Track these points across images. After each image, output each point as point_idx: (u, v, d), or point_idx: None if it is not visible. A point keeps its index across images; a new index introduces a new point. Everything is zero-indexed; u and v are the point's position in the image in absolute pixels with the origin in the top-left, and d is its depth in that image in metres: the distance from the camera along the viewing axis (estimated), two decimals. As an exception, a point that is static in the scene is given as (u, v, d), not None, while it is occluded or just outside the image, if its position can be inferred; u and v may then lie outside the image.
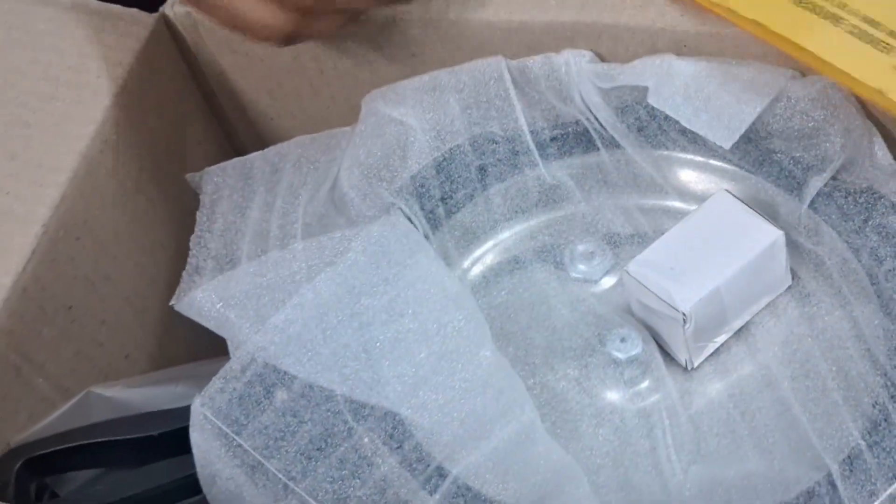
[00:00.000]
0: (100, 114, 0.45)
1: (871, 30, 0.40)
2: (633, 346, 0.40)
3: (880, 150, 0.42)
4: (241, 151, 0.49)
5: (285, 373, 0.38)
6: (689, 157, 0.44)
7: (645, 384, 0.41)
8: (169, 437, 0.40)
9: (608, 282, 0.44)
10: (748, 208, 0.40)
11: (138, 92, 0.47)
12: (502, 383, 0.37)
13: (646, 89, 0.43)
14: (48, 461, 0.40)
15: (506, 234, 0.45)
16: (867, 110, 0.43)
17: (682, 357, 0.40)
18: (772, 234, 0.39)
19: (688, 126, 0.41)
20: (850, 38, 0.40)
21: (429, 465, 0.36)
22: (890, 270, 0.38)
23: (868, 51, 0.40)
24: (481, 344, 0.38)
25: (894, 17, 0.40)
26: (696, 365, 0.40)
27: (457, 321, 0.38)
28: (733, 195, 0.40)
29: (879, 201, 0.40)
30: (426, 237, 0.43)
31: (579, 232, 0.45)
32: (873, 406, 0.35)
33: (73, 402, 0.41)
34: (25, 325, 0.42)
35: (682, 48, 0.44)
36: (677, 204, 0.45)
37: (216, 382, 0.38)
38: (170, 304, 0.41)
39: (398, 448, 0.36)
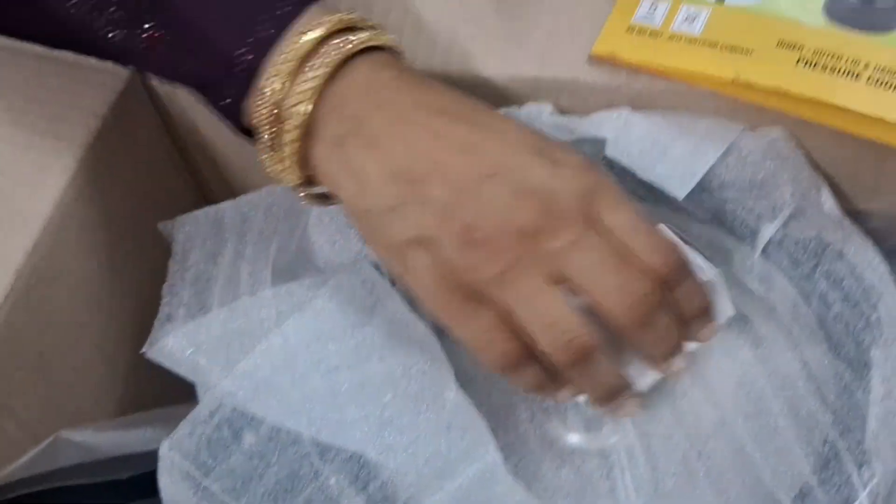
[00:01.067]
0: (74, 163, 0.45)
1: (888, 77, 0.41)
2: (594, 388, 0.41)
3: (827, 200, 0.44)
4: (212, 202, 0.49)
5: (253, 416, 0.39)
6: (647, 206, 0.46)
7: (604, 427, 0.42)
8: (138, 481, 0.40)
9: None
10: (687, 245, 0.40)
11: (112, 142, 0.48)
12: (466, 424, 0.38)
13: (604, 142, 0.45)
14: (17, 505, 0.41)
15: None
16: (814, 162, 0.45)
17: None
18: (709, 273, 0.40)
19: (644, 177, 0.43)
20: (874, 88, 0.41)
21: (394, 505, 0.37)
22: (838, 314, 0.39)
23: (893, 96, 0.41)
24: (445, 385, 0.39)
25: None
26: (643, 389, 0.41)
27: (421, 364, 0.39)
28: (674, 230, 0.40)
29: (827, 248, 0.41)
30: (392, 284, 0.44)
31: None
32: (823, 443, 0.36)
33: (42, 445, 0.42)
34: (-3, 371, 0.42)
35: (638, 101, 0.45)
36: (636, 252, 0.46)
37: (184, 426, 0.39)
38: (141, 351, 0.42)
39: (364, 489, 0.37)
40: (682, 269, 0.37)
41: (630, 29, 0.45)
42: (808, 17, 0.43)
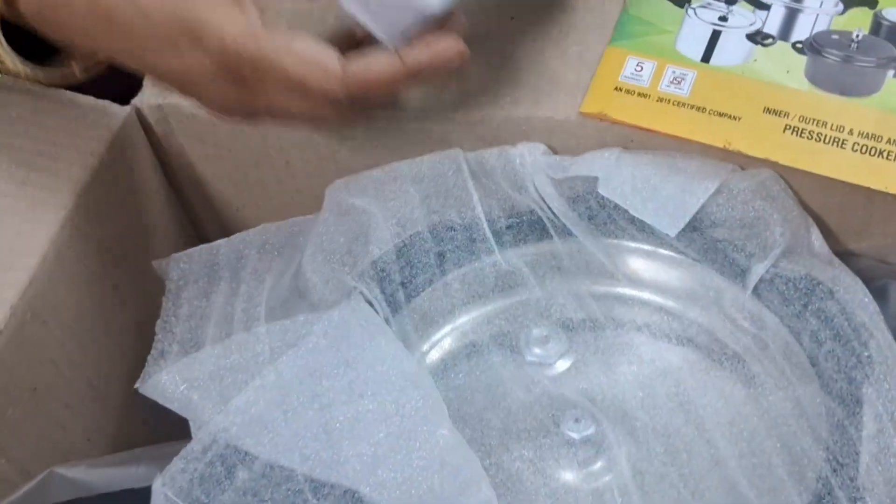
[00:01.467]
0: (70, 200, 0.46)
1: (873, 143, 0.42)
2: (587, 426, 0.41)
3: (817, 239, 0.44)
4: (205, 240, 0.50)
5: (246, 453, 0.39)
6: (638, 245, 0.46)
7: (598, 464, 0.42)
8: (130, 518, 0.40)
9: (563, 365, 0.45)
10: None
11: (108, 180, 0.48)
12: (459, 461, 0.38)
13: (596, 180, 0.45)
14: (7, 543, 0.40)
15: (463, 319, 0.47)
16: (804, 203, 0.45)
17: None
18: None
19: (636, 215, 0.43)
20: (858, 155, 0.42)
21: (387, 542, 0.36)
22: (829, 352, 0.40)
23: (878, 162, 0.42)
24: (439, 423, 0.39)
25: (888, 126, 0.42)
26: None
27: (415, 401, 0.39)
28: None
29: (818, 287, 0.42)
30: (386, 321, 0.44)
31: (534, 317, 0.46)
32: (817, 480, 0.36)
33: (34, 482, 0.42)
34: (-11, 406, 0.42)
35: (630, 143, 0.46)
36: (628, 291, 0.47)
37: (177, 463, 0.39)
38: (134, 387, 0.42)
39: (357, 526, 0.37)
40: None
41: (618, 88, 0.46)
42: (791, 81, 0.45)
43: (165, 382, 0.40)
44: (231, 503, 0.38)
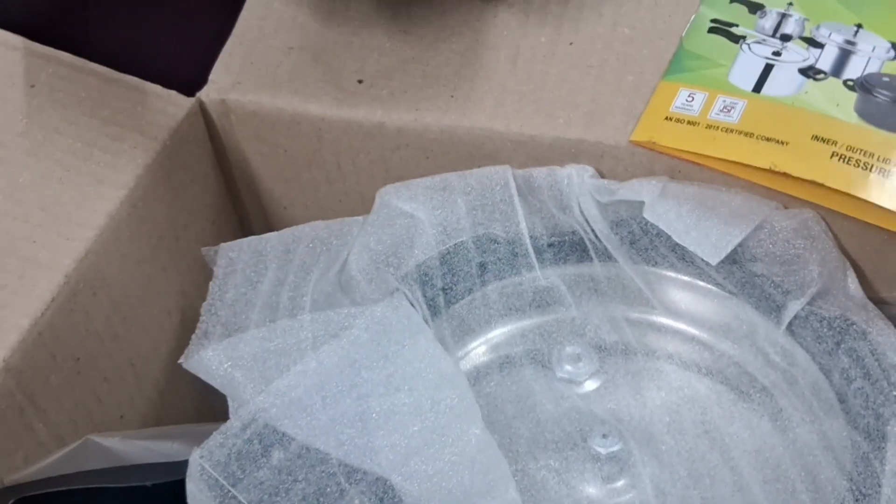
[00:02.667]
0: (131, 180, 0.47)
1: None
2: (614, 443, 0.42)
3: (853, 283, 0.45)
4: (249, 234, 0.51)
5: (284, 434, 0.39)
6: (677, 274, 0.47)
7: (622, 482, 0.42)
8: (162, 489, 0.41)
9: (592, 384, 0.46)
10: None
11: (167, 166, 0.49)
12: (489, 462, 0.39)
13: (641, 207, 0.46)
14: (41, 502, 0.41)
15: (499, 331, 0.48)
16: (842, 247, 0.46)
17: None
18: None
19: (678, 241, 0.44)
20: None
21: (415, 530, 0.37)
22: (859, 389, 0.40)
23: None
24: (472, 422, 0.40)
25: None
26: None
27: (449, 399, 0.40)
28: None
29: (851, 328, 0.42)
30: (425, 322, 0.45)
31: (568, 335, 0.47)
32: (841, 510, 0.37)
33: (71, 447, 0.43)
34: (35, 369, 0.43)
35: (677, 173, 0.47)
36: (662, 319, 0.47)
37: (216, 437, 0.40)
38: (178, 361, 0.43)
39: (386, 512, 0.37)
40: None
41: (668, 117, 0.47)
42: (840, 114, 0.46)
43: (210, 359, 0.41)
44: (266, 480, 0.38)
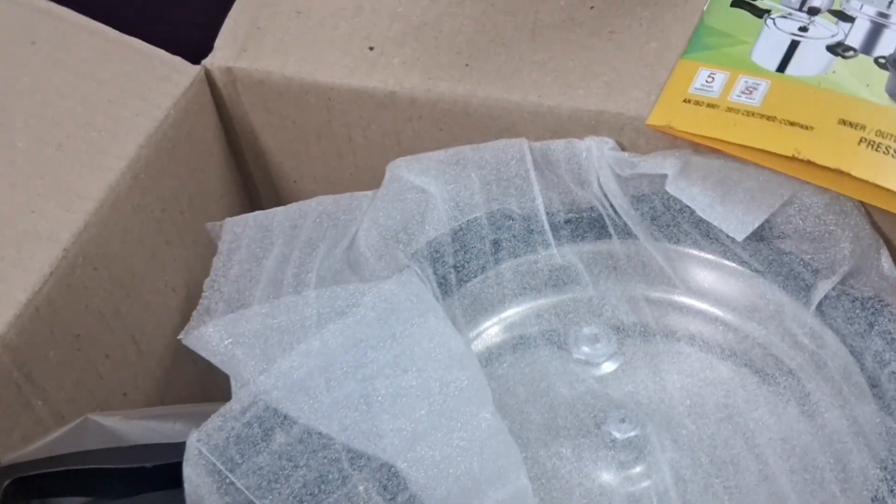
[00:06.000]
0: (133, 150, 0.46)
1: None
2: (631, 427, 0.40)
3: (887, 261, 0.43)
4: (258, 209, 0.50)
5: (285, 417, 0.38)
6: (700, 252, 0.45)
7: (638, 468, 0.41)
8: (161, 471, 0.40)
9: (609, 366, 0.44)
10: None
11: (171, 136, 0.48)
12: (499, 447, 0.38)
13: (663, 182, 0.44)
14: (38, 483, 0.40)
15: (513, 310, 0.46)
16: (874, 223, 0.44)
17: None
18: None
19: (703, 216, 0.42)
20: None
21: (421, 518, 0.36)
22: (893, 373, 0.38)
23: None
24: (482, 406, 0.38)
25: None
26: None
27: (459, 381, 0.38)
28: None
29: (885, 309, 0.41)
30: (436, 300, 0.43)
31: (585, 315, 0.45)
32: (872, 500, 0.35)
33: (69, 426, 0.41)
34: (33, 345, 0.42)
35: (700, 148, 0.45)
36: (684, 299, 0.45)
37: (215, 420, 0.38)
38: (178, 338, 0.42)
39: (392, 499, 0.36)
40: None
41: (687, 100, 0.45)
42: (870, 95, 0.43)
43: (210, 335, 0.40)
44: (265, 465, 0.37)
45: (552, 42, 0.46)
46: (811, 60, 0.45)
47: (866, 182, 0.41)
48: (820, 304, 0.42)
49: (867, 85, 0.44)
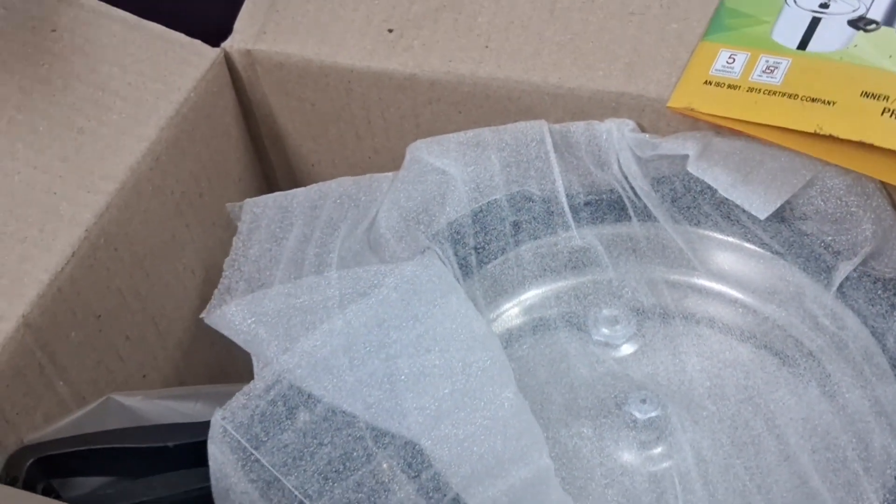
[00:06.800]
0: (154, 132, 0.46)
1: None
2: (652, 407, 0.40)
3: (908, 243, 0.43)
4: (276, 191, 0.49)
5: (309, 395, 0.38)
6: (720, 234, 0.45)
7: (659, 449, 0.41)
8: (184, 450, 0.40)
9: (629, 348, 0.44)
10: None
11: (191, 119, 0.48)
12: (522, 426, 0.38)
13: (683, 163, 0.44)
14: (60, 462, 0.40)
15: (533, 292, 0.46)
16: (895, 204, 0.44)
17: None
18: None
19: (725, 195, 0.42)
20: None
21: (445, 496, 0.36)
22: (916, 354, 0.38)
23: None
24: (505, 385, 0.38)
25: None
26: None
27: (482, 361, 0.38)
28: None
29: (907, 290, 0.40)
30: (457, 279, 0.43)
31: (604, 297, 0.45)
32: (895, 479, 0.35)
33: (91, 406, 0.42)
34: (55, 326, 0.42)
35: (721, 130, 0.45)
36: (704, 281, 0.45)
37: (239, 398, 0.38)
38: (200, 316, 0.42)
39: (416, 477, 0.36)
40: None
41: (708, 81, 0.45)
42: (893, 65, 0.43)
43: (233, 314, 0.40)
44: (290, 443, 0.37)
45: (572, 23, 0.46)
46: (832, 36, 0.45)
47: (889, 154, 0.41)
48: (841, 285, 0.42)
49: (889, 56, 0.43)
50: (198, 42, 0.49)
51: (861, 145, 0.42)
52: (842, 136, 0.42)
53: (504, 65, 0.47)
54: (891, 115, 0.42)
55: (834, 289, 0.42)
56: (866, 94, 0.42)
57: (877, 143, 0.41)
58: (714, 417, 0.41)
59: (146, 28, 0.48)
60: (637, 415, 0.40)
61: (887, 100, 0.42)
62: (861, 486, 0.36)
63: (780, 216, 0.43)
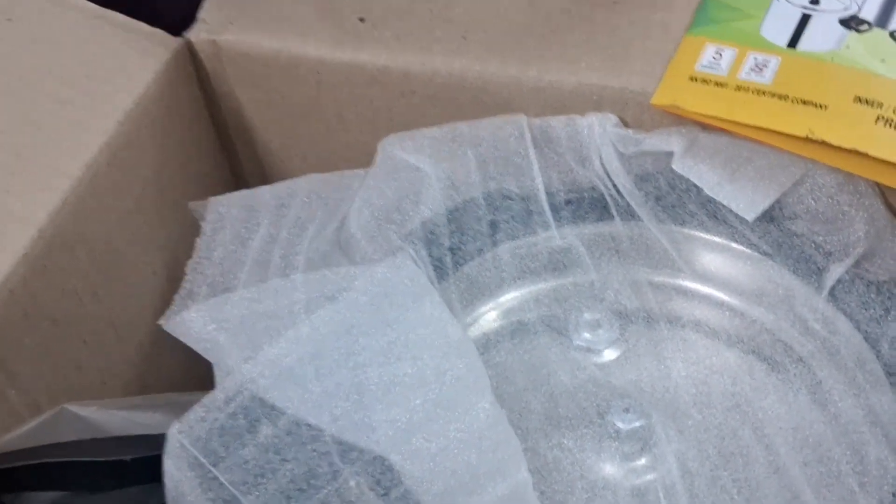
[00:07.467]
0: (112, 126, 0.44)
1: None
2: (637, 417, 0.39)
3: (902, 245, 0.42)
4: (243, 189, 0.48)
5: (272, 407, 0.36)
6: (707, 235, 0.44)
7: (643, 461, 0.39)
8: (141, 464, 0.38)
9: (611, 353, 0.43)
10: None
11: (152, 112, 0.46)
12: (498, 438, 0.36)
13: (668, 159, 0.43)
14: (11, 476, 0.38)
15: (511, 294, 0.45)
16: (889, 205, 0.43)
17: None
18: None
19: (711, 194, 0.41)
20: None
21: (416, 515, 0.34)
22: (911, 362, 0.37)
23: None
24: (481, 395, 0.36)
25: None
26: None
27: (457, 369, 0.37)
28: None
29: (902, 294, 0.39)
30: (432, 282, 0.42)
31: (586, 300, 0.44)
32: (894, 495, 0.34)
33: (45, 416, 0.39)
34: (7, 330, 0.40)
35: (707, 126, 0.43)
36: (689, 283, 0.44)
37: (197, 410, 0.36)
38: (158, 322, 0.40)
39: (385, 494, 0.34)
40: None
41: (693, 78, 0.43)
42: (886, 70, 0.41)
43: (193, 320, 0.38)
44: (251, 459, 0.35)
45: (552, 13, 0.45)
46: (823, 35, 0.43)
47: (883, 163, 0.40)
48: (832, 288, 0.40)
49: (882, 60, 0.42)
50: (160, 32, 0.47)
51: (855, 152, 0.40)
52: (834, 142, 0.40)
53: (481, 56, 0.46)
54: (885, 124, 0.40)
55: (825, 292, 0.40)
56: (859, 100, 0.41)
57: (871, 153, 0.40)
58: (700, 427, 0.40)
59: (106, 17, 0.47)
60: (620, 425, 0.39)
61: (881, 107, 0.41)
62: (856, 503, 0.34)
63: (769, 215, 0.41)
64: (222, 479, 0.34)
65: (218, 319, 0.38)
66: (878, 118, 0.40)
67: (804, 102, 0.41)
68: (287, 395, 0.36)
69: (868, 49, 0.42)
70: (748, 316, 0.43)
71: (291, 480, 0.35)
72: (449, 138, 0.45)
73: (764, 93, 0.42)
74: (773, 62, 0.43)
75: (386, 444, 0.35)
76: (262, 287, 0.39)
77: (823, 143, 0.41)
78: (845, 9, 0.44)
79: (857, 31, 0.43)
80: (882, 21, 0.43)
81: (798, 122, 0.41)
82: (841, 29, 0.43)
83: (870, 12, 0.43)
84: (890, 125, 0.40)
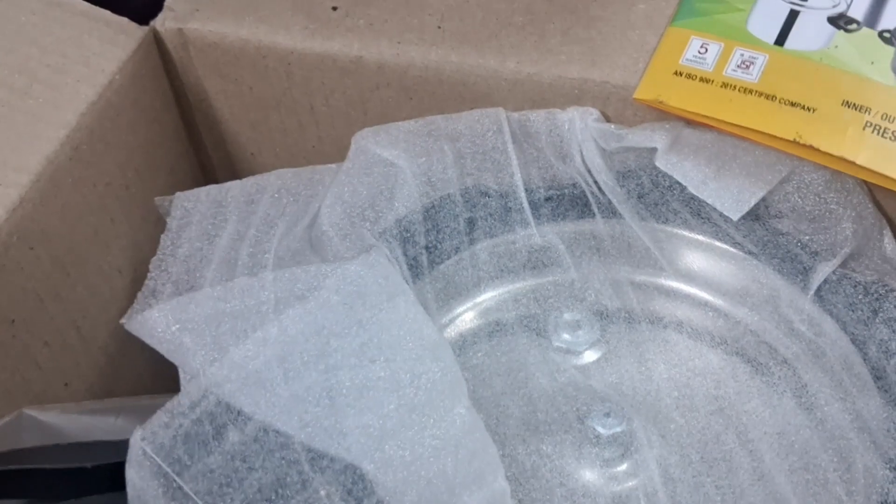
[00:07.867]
0: (74, 119, 0.42)
1: None
2: (618, 421, 0.38)
3: (890, 243, 0.41)
4: (212, 182, 0.47)
5: (239, 413, 0.35)
6: (690, 233, 0.43)
7: (624, 467, 0.38)
8: (103, 471, 0.36)
9: (592, 355, 0.42)
10: None
11: (116, 104, 0.44)
12: (475, 446, 0.35)
13: (651, 156, 0.42)
14: (-36, 485, 0.37)
15: (489, 294, 0.43)
16: (877, 202, 0.42)
17: None
18: None
19: (695, 193, 0.40)
20: None
21: (388, 527, 0.33)
22: (900, 365, 0.36)
23: None
24: (457, 400, 0.35)
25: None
26: None
27: (432, 373, 0.36)
28: None
29: (890, 294, 0.38)
30: (406, 283, 0.40)
31: (566, 300, 0.43)
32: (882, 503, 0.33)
33: (2, 421, 0.38)
34: (-40, 332, 0.38)
35: (692, 122, 0.42)
36: (672, 283, 0.43)
37: (161, 416, 0.35)
38: (120, 321, 0.38)
39: (356, 505, 0.33)
40: None
41: (678, 72, 0.42)
42: (875, 73, 0.40)
43: (156, 320, 0.36)
44: (217, 468, 0.34)
45: (532, 3, 0.43)
46: (812, 33, 0.42)
47: (872, 171, 0.39)
48: (819, 288, 0.40)
49: (871, 62, 0.41)
50: (125, 20, 0.46)
51: (843, 159, 0.39)
52: (822, 148, 0.40)
53: (458, 47, 0.44)
54: (873, 131, 0.39)
55: (811, 292, 0.40)
56: (848, 104, 0.40)
57: (858, 162, 0.39)
58: (683, 431, 0.39)
59: (68, 4, 0.45)
60: (600, 430, 0.38)
61: (869, 112, 0.40)
62: (844, 512, 0.33)
63: (754, 213, 0.41)
64: (187, 488, 0.33)
65: (182, 319, 0.36)
66: (866, 124, 0.39)
67: (792, 104, 0.40)
68: (254, 400, 0.35)
69: (857, 50, 0.41)
70: (732, 317, 0.42)
71: (259, 490, 0.33)
72: (425, 132, 0.44)
73: (751, 91, 0.41)
74: (761, 59, 0.42)
75: (358, 452, 0.34)
76: (228, 286, 0.38)
77: (811, 147, 0.40)
78: (834, 6, 0.43)
79: (846, 30, 0.42)
80: (871, 21, 0.42)
81: (786, 125, 0.40)
82: (829, 28, 0.42)
83: (859, 10, 0.42)
84: (877, 132, 0.39)
